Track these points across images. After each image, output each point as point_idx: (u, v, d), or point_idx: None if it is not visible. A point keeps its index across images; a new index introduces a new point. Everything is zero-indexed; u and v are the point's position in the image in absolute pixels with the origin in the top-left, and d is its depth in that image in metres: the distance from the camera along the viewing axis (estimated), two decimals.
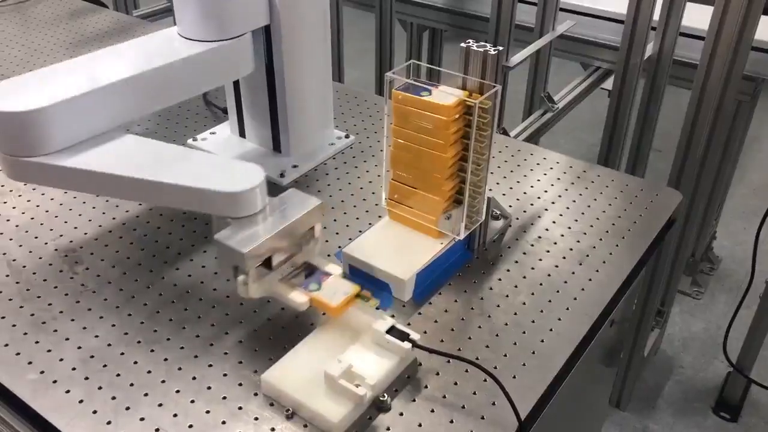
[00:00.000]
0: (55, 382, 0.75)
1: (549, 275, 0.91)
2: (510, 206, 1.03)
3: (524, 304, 0.86)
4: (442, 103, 0.81)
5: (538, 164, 1.13)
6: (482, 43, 0.81)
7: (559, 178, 1.10)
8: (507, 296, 0.87)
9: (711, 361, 2.06)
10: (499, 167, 1.12)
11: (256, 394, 0.74)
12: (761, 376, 1.89)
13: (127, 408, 0.72)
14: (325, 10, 1.05)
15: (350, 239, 0.93)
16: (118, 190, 0.84)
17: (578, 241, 0.97)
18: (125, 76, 0.86)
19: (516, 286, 0.89)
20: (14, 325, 0.82)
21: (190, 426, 0.70)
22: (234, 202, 0.77)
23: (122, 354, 0.78)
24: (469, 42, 0.82)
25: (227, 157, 0.84)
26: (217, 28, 0.94)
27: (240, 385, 0.75)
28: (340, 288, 0.77)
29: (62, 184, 0.86)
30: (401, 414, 0.72)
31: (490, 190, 1.03)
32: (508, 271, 0.91)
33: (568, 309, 0.86)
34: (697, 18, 1.63)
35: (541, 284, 0.89)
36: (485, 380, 0.75)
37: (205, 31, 0.94)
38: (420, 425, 0.71)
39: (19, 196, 1.04)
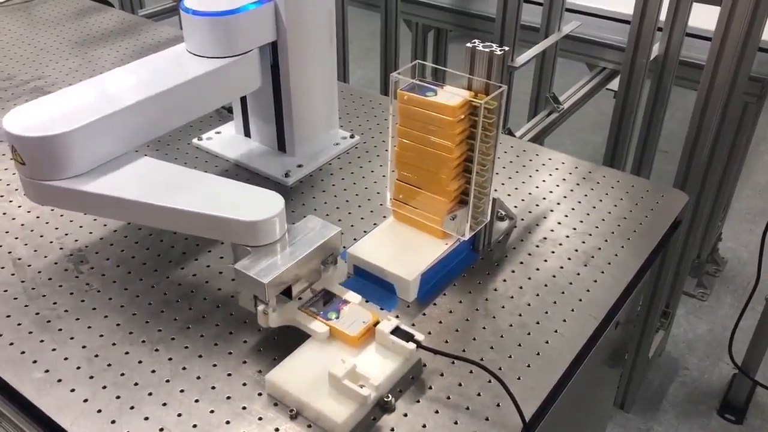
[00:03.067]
0: (59, 381, 0.75)
1: (554, 276, 0.90)
2: (515, 207, 1.03)
3: (529, 305, 0.86)
4: (448, 103, 0.81)
5: (543, 165, 1.13)
6: (488, 44, 0.81)
7: (564, 179, 1.10)
8: (512, 297, 0.87)
9: (716, 363, 2.05)
10: (504, 168, 1.12)
11: (260, 394, 0.74)
12: (767, 378, 1.88)
13: (132, 407, 0.72)
14: (330, 15, 1.05)
15: (355, 239, 0.93)
16: (137, 215, 0.85)
17: (583, 242, 0.97)
18: (141, 98, 0.87)
19: (521, 287, 0.89)
20: (19, 324, 0.82)
21: (194, 426, 0.70)
22: (253, 231, 0.77)
23: (127, 353, 0.78)
24: (474, 42, 0.81)
25: (245, 185, 0.85)
26: (225, 46, 0.95)
27: (244, 385, 0.75)
28: (359, 317, 0.77)
29: (82, 208, 0.88)
30: (405, 415, 0.72)
31: (496, 190, 1.03)
32: (513, 272, 0.91)
33: (573, 310, 0.85)
34: (704, 18, 1.62)
35: (546, 285, 0.89)
36: (490, 381, 0.75)
37: (213, 49, 0.95)
38: (424, 426, 0.71)
39: (25, 195, 1.04)
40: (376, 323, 0.76)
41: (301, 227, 0.80)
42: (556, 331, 0.82)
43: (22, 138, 0.80)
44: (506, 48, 0.80)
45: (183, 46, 0.98)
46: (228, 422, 0.71)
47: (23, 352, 0.78)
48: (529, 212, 1.02)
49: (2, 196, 1.04)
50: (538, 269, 0.92)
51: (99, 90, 0.90)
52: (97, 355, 0.78)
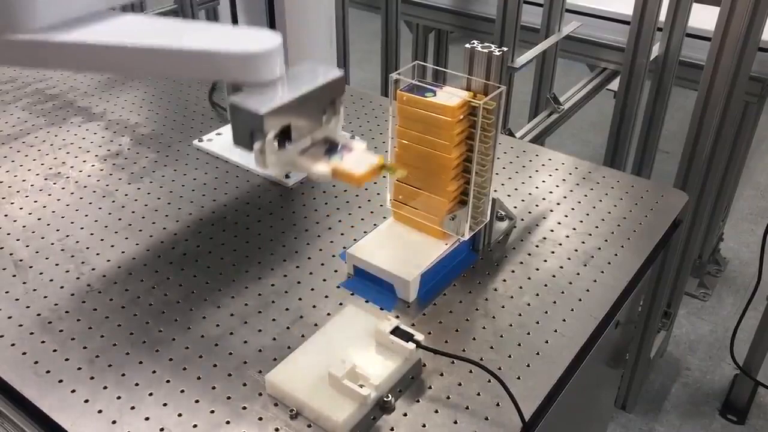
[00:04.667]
0: (60, 381, 0.75)
1: (554, 276, 0.91)
2: (515, 207, 1.03)
3: (529, 305, 0.86)
4: (446, 104, 0.81)
5: (543, 165, 1.13)
6: (487, 44, 0.81)
7: (564, 179, 1.10)
8: (511, 297, 0.87)
9: (718, 364, 2.05)
10: (504, 168, 1.12)
11: (260, 394, 0.74)
12: None
13: (132, 407, 0.72)
14: (330, 17, 1.05)
15: (355, 240, 0.94)
16: (122, 63, 0.74)
17: (583, 242, 0.97)
18: None
19: (521, 287, 0.89)
20: (21, 325, 0.82)
21: (195, 425, 0.71)
22: (252, 65, 0.70)
23: (127, 354, 0.79)
24: (473, 43, 0.82)
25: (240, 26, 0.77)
26: None
27: (244, 385, 0.75)
28: (364, 159, 0.71)
29: (55, 63, 0.75)
30: (405, 414, 0.72)
31: (495, 191, 1.03)
32: (513, 272, 0.91)
33: (572, 310, 0.86)
34: (704, 18, 1.62)
35: (545, 285, 0.89)
36: (489, 381, 0.75)
37: None
38: (424, 426, 0.71)
39: (26, 196, 1.05)
40: (382, 166, 0.71)
41: (302, 69, 0.74)
42: (555, 331, 0.82)
43: None
44: (505, 49, 0.81)
45: None
46: (228, 422, 0.71)
47: (24, 353, 0.79)
48: (529, 212, 1.03)
49: (3, 198, 1.05)
50: (537, 269, 0.92)
51: None
52: (98, 356, 0.78)
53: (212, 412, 0.72)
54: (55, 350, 0.79)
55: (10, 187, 1.07)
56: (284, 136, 0.70)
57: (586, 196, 1.06)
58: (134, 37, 0.71)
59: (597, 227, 1.00)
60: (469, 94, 0.82)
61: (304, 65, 0.75)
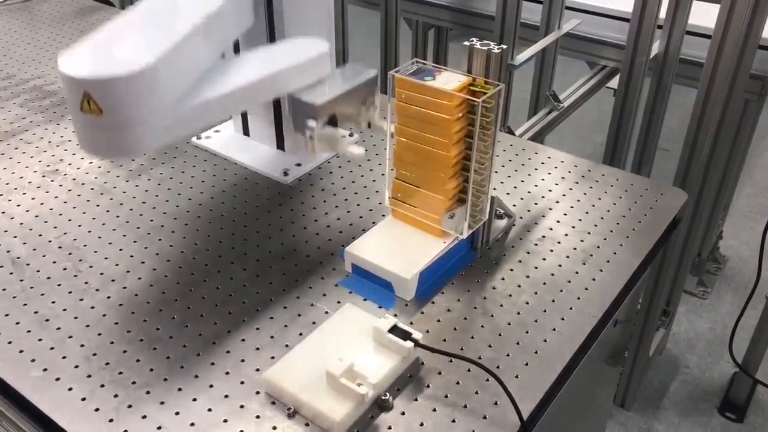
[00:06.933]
0: (57, 379, 0.75)
1: (552, 275, 0.90)
2: (514, 205, 1.02)
3: (527, 303, 0.86)
4: (445, 102, 0.81)
5: (542, 163, 1.13)
6: (486, 42, 0.81)
7: (563, 177, 1.10)
8: (510, 296, 0.87)
9: (717, 361, 2.05)
10: (503, 166, 1.12)
11: (257, 393, 0.74)
12: (767, 377, 1.88)
13: (130, 406, 0.72)
14: (329, 14, 1.05)
15: (353, 238, 0.93)
16: (249, 98, 0.89)
17: (582, 241, 0.96)
18: (196, 21, 0.82)
19: (519, 286, 0.89)
20: (18, 323, 0.82)
21: (192, 424, 0.70)
22: (318, 65, 0.87)
23: (125, 352, 0.78)
24: (472, 40, 0.81)
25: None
26: None
27: (242, 383, 0.75)
28: (454, 77, 0.82)
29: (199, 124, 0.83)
30: (403, 413, 0.72)
31: (495, 189, 1.02)
32: (512, 270, 0.91)
33: (571, 309, 0.85)
34: (704, 16, 1.62)
35: (544, 284, 0.89)
36: (487, 380, 0.75)
37: None
38: (422, 424, 0.71)
39: (24, 194, 1.05)
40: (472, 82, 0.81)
41: (344, 70, 0.90)
42: (554, 330, 0.82)
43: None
44: (504, 46, 0.80)
45: None
46: (225, 421, 0.71)
47: (22, 351, 0.79)
48: (528, 210, 1.02)
49: (1, 195, 1.04)
50: (536, 267, 0.92)
51: (151, 20, 0.84)
52: (95, 354, 0.78)
53: (210, 410, 0.72)
54: (52, 348, 0.79)
55: (7, 184, 1.07)
56: (331, 123, 0.87)
57: (585, 194, 1.06)
58: (248, 75, 0.85)
59: (596, 225, 0.99)
60: (468, 79, 0.81)
61: (345, 67, 0.92)
